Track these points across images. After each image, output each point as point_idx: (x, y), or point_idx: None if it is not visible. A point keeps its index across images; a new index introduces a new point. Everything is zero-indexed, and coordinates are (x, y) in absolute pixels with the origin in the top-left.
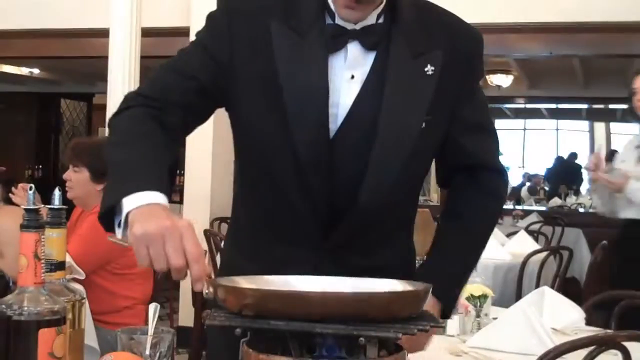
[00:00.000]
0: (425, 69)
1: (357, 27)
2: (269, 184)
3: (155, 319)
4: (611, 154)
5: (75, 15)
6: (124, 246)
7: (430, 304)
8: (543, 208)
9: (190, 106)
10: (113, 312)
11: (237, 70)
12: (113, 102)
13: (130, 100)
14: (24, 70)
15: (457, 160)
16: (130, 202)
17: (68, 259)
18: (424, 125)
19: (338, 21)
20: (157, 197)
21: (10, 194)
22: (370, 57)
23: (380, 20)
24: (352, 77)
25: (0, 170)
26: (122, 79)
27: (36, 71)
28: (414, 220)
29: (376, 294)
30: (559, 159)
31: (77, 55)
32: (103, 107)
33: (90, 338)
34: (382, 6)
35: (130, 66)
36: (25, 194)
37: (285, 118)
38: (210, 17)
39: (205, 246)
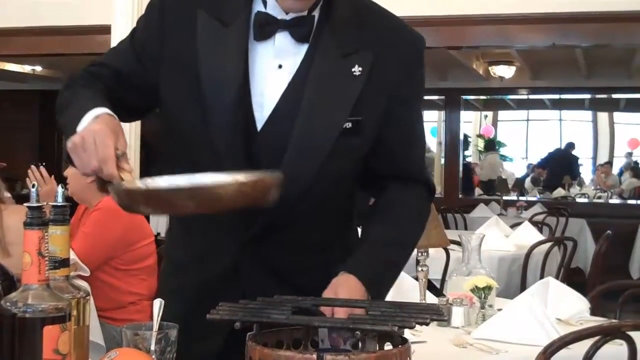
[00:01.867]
0: (353, 69)
1: (288, 17)
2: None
3: (160, 315)
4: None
5: (77, 12)
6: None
7: (356, 288)
8: (547, 199)
9: (114, 92)
10: (118, 308)
11: (165, 58)
12: None
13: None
14: (26, 68)
15: (385, 168)
16: (80, 126)
17: (72, 256)
18: (349, 125)
19: (269, 10)
20: (93, 112)
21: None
22: (303, 49)
23: (314, 13)
24: (280, 66)
25: (1, 166)
26: None
27: (38, 68)
28: (349, 226)
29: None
30: (558, 149)
31: (79, 52)
32: None
33: (95, 334)
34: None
35: None
36: (37, 174)
37: (204, 107)
38: (148, 5)
39: None
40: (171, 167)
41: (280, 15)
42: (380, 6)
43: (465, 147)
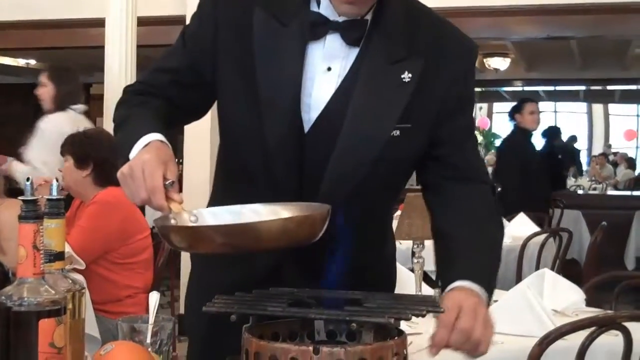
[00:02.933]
0: (402, 76)
1: (340, 19)
2: (241, 177)
3: (156, 308)
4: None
5: (71, 5)
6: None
7: (476, 300)
8: None
9: (172, 99)
10: (114, 301)
11: (220, 54)
12: (110, 92)
13: (123, 95)
14: (20, 62)
15: (445, 171)
16: (132, 154)
17: (68, 249)
18: (398, 133)
19: (322, 10)
20: (143, 140)
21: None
22: (353, 52)
23: (367, 17)
24: (329, 69)
25: (2, 161)
26: (118, 69)
27: (32, 62)
28: (389, 227)
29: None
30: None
31: (74, 46)
32: (100, 97)
33: (92, 327)
34: (373, 3)
35: (127, 55)
36: (47, 187)
37: (260, 107)
38: (200, 3)
39: None
40: (224, 174)
41: (332, 16)
42: (433, 12)
43: None
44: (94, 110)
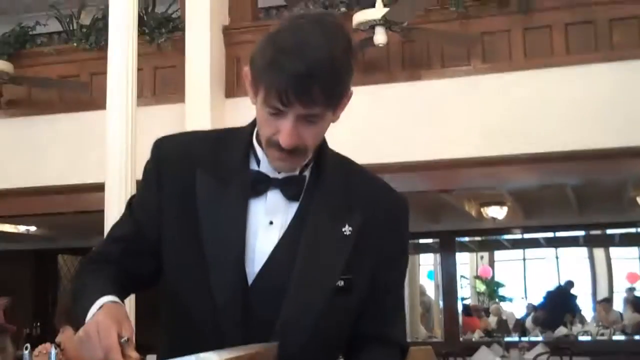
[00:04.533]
0: (343, 229)
1: (280, 176)
2: (187, 326)
3: None
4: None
5: (70, 171)
6: None
7: None
8: (549, 339)
9: (124, 268)
10: None
11: (164, 216)
12: None
13: (78, 266)
14: (20, 229)
15: (368, 328)
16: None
17: None
18: (342, 284)
19: (262, 168)
20: (97, 303)
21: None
22: (293, 207)
23: (305, 174)
24: (271, 223)
25: (12, 330)
26: None
27: (33, 229)
28: None
29: None
30: (558, 286)
31: (73, 211)
32: None
33: None
34: (309, 160)
35: None
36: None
37: (205, 263)
38: (144, 168)
39: None
40: (171, 328)
41: (272, 174)
42: (366, 170)
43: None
44: None
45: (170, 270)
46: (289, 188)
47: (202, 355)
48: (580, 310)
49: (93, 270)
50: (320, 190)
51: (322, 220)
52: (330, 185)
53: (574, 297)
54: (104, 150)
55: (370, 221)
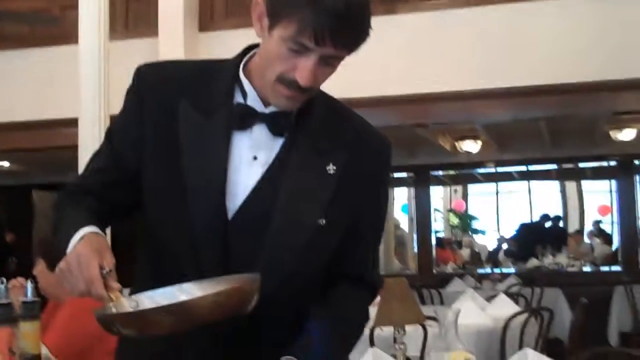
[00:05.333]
0: (327, 167)
1: (267, 110)
2: (167, 261)
3: None
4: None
5: (43, 106)
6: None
7: None
8: (521, 270)
9: (103, 199)
10: None
11: (146, 144)
12: None
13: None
14: None
15: (343, 265)
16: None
17: (44, 351)
18: (324, 222)
19: (249, 102)
20: (80, 232)
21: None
22: (278, 142)
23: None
24: (255, 158)
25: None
26: None
27: (6, 164)
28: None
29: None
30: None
31: (47, 146)
32: None
33: None
34: None
35: None
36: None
37: (185, 194)
38: (126, 95)
39: None
40: (151, 262)
41: (260, 108)
42: (353, 111)
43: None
44: None
45: (150, 201)
46: (276, 123)
47: (184, 285)
48: (553, 243)
49: (72, 202)
50: (306, 128)
51: (307, 158)
52: (316, 124)
53: (551, 229)
54: (77, 85)
55: (355, 162)
